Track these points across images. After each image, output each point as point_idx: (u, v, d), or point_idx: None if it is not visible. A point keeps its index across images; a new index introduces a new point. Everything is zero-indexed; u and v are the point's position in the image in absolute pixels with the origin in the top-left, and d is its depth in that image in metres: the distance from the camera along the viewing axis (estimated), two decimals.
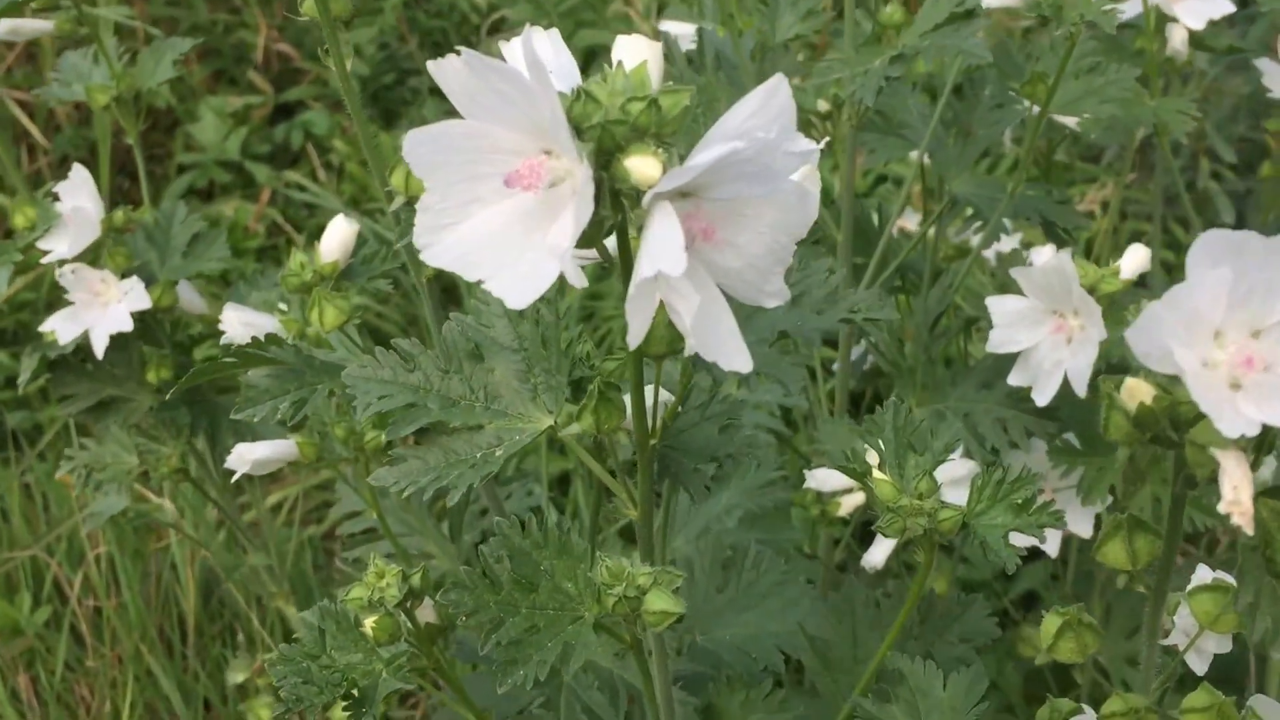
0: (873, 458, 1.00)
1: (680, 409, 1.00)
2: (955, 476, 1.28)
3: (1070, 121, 1.46)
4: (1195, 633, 0.94)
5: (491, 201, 0.62)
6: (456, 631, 1.49)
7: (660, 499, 1.25)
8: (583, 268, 0.75)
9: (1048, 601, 1.84)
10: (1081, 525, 1.42)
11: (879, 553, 1.45)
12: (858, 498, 1.57)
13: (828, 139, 1.47)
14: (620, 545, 1.75)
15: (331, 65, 1.05)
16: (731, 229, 0.64)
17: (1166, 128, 1.44)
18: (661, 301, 0.77)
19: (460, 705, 1.11)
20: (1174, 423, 0.66)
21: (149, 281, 1.38)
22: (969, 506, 0.97)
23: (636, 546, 0.95)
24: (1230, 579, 0.93)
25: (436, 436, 0.90)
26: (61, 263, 1.30)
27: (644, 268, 0.58)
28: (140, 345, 1.44)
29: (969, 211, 1.48)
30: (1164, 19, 1.48)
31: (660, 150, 0.63)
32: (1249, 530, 0.63)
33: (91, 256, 1.33)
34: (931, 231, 1.59)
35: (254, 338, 1.02)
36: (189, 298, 1.48)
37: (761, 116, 0.62)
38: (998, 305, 1.32)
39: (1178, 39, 1.59)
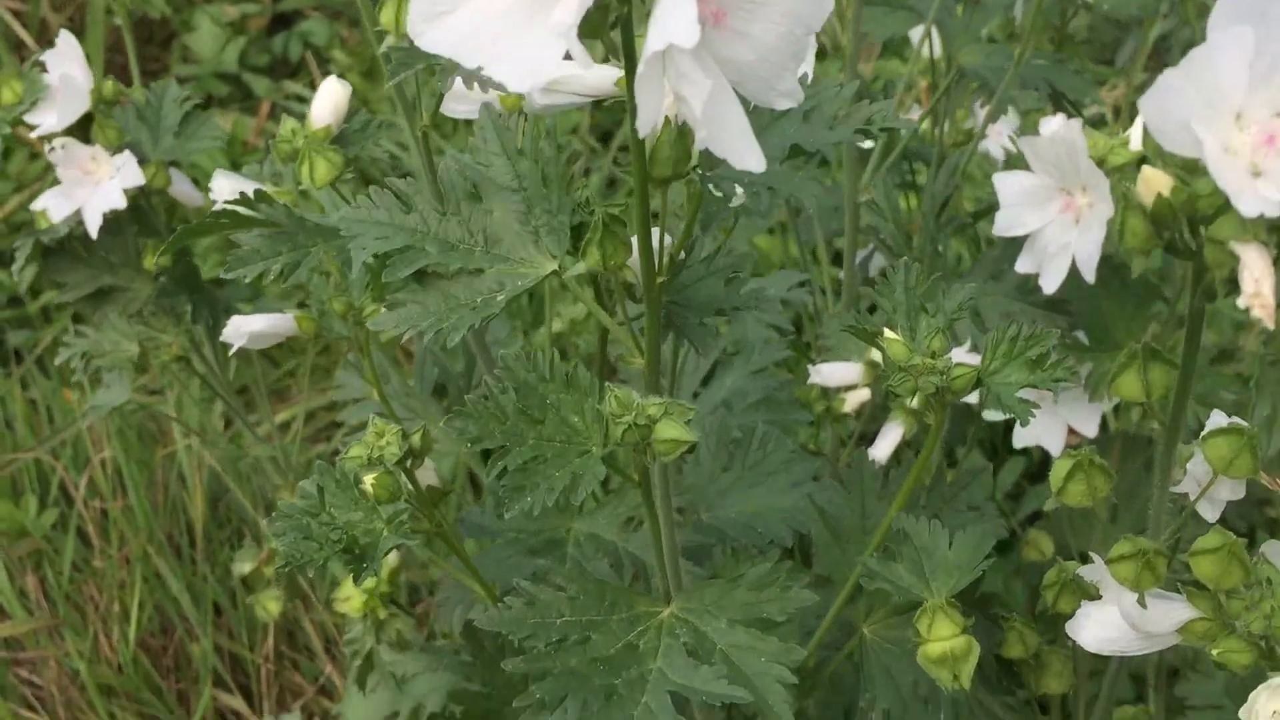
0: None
1: (685, 261, 0.97)
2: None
3: None
4: (1208, 481, 0.93)
5: None
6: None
7: (665, 375, 1.23)
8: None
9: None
10: (1087, 425, 1.39)
11: (884, 445, 1.43)
12: (863, 394, 1.55)
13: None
14: None
15: None
16: (743, 18, 0.61)
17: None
18: (667, 120, 0.75)
19: (465, 575, 1.10)
20: (1192, 224, 0.64)
21: (141, 162, 1.35)
22: (983, 364, 0.95)
23: None
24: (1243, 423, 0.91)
25: (435, 281, 0.88)
26: (50, 138, 1.27)
27: (653, 40, 0.55)
28: (135, 231, 1.42)
29: (974, 86, 1.44)
30: None
31: None
32: (1269, 324, 0.61)
33: (82, 135, 1.31)
34: (936, 125, 1.56)
35: (241, 192, 1.00)
36: (185, 190, 1.46)
37: None
38: (1004, 182, 1.29)
39: None
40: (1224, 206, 0.61)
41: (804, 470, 1.30)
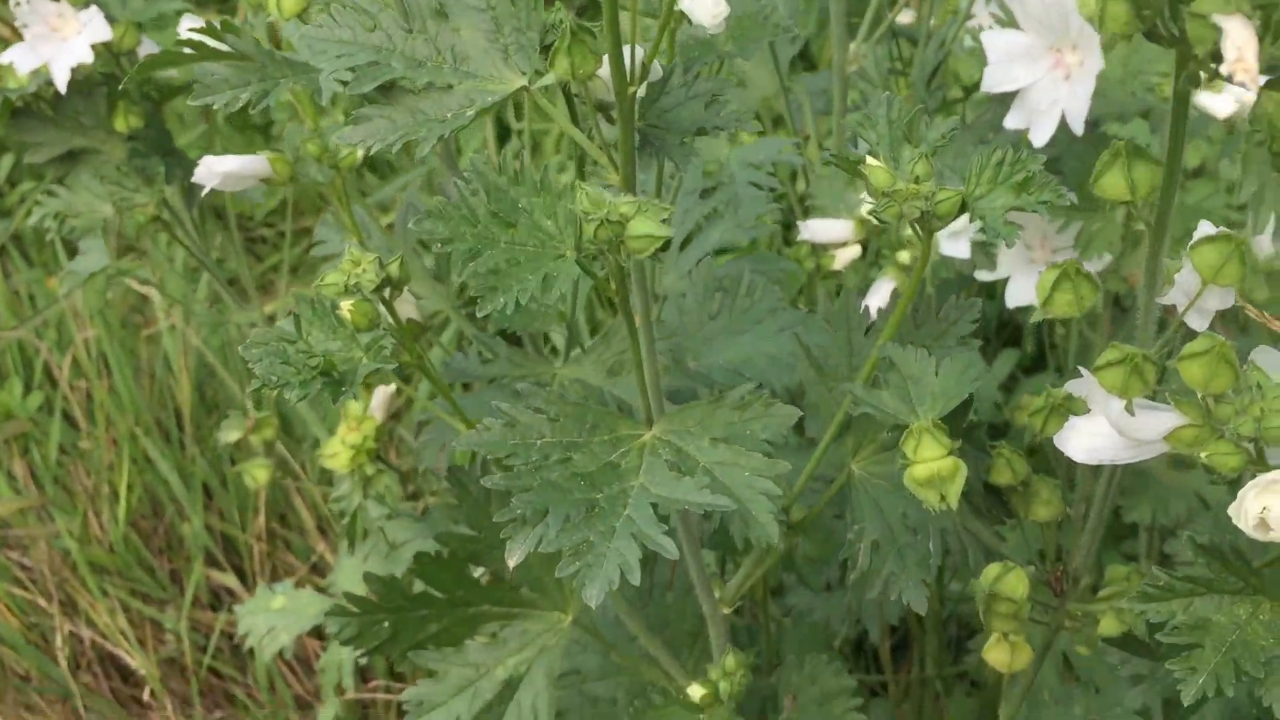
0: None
1: (664, 86, 0.95)
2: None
3: None
4: (1196, 292, 0.91)
5: None
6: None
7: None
8: None
9: None
10: None
11: (875, 300, 1.43)
12: (853, 250, 1.54)
13: None
14: None
15: None
16: None
17: None
18: None
19: (449, 416, 1.09)
20: (1173, 4, 0.62)
21: (110, 21, 1.32)
22: (968, 189, 0.93)
23: None
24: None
25: (403, 98, 0.86)
26: None
27: None
28: (106, 93, 1.39)
29: None
30: None
31: None
32: (1252, 86, 0.59)
33: None
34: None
35: (208, 22, 0.97)
36: (154, 51, 1.43)
37: None
38: (993, 39, 1.26)
39: None
40: None
41: (792, 317, 1.29)
